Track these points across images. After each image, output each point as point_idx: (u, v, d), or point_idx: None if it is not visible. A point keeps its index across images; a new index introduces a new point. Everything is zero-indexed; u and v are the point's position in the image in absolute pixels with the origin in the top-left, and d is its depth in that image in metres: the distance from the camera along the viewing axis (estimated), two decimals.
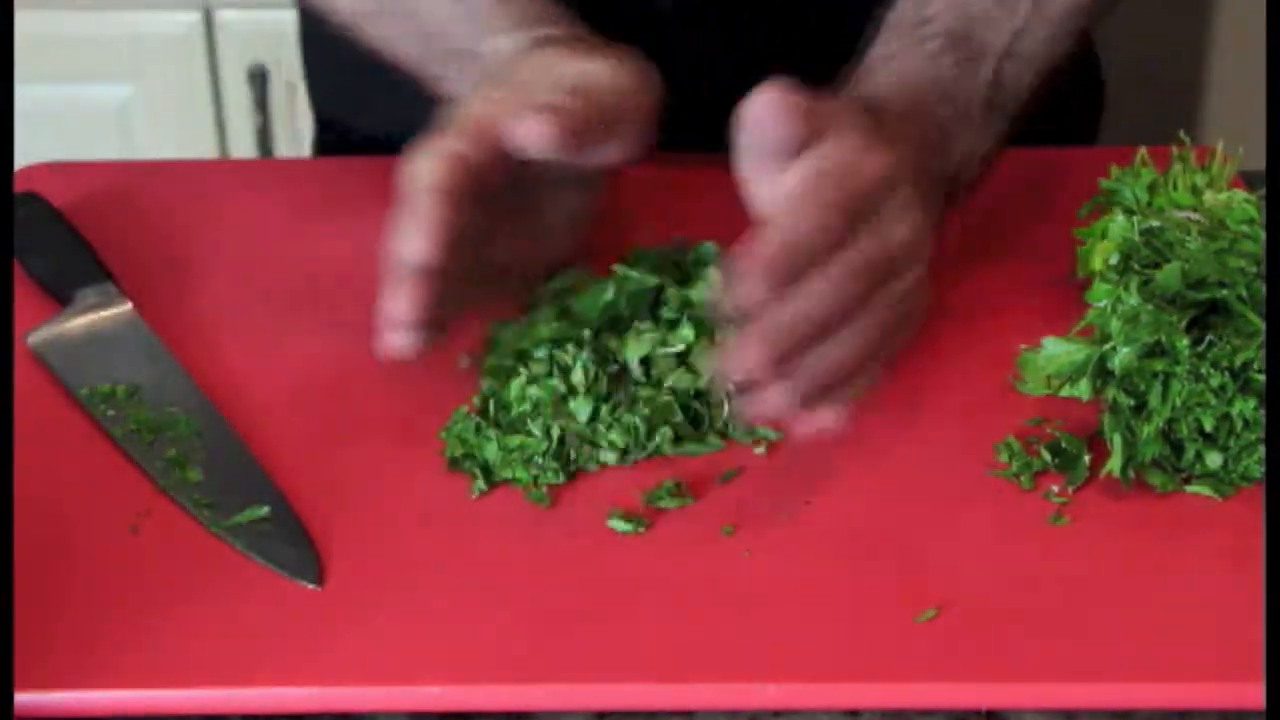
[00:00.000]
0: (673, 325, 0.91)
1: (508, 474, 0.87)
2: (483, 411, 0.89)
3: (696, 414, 0.89)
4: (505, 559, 0.82)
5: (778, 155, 0.84)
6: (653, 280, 0.92)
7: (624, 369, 0.90)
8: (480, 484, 0.86)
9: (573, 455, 0.87)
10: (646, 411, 0.88)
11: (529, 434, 0.87)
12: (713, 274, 0.94)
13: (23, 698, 0.75)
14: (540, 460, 0.86)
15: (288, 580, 0.81)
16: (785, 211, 0.82)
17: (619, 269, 0.92)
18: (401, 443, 0.89)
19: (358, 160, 1.12)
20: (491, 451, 0.87)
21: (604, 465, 0.87)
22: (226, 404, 0.92)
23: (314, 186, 1.11)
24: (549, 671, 0.76)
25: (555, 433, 0.87)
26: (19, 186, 1.08)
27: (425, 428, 0.90)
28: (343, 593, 0.80)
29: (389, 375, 0.94)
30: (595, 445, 0.88)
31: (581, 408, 0.88)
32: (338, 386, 0.94)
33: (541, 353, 0.89)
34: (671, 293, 0.93)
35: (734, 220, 0.86)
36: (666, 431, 0.88)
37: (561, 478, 0.86)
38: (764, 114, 0.84)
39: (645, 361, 0.90)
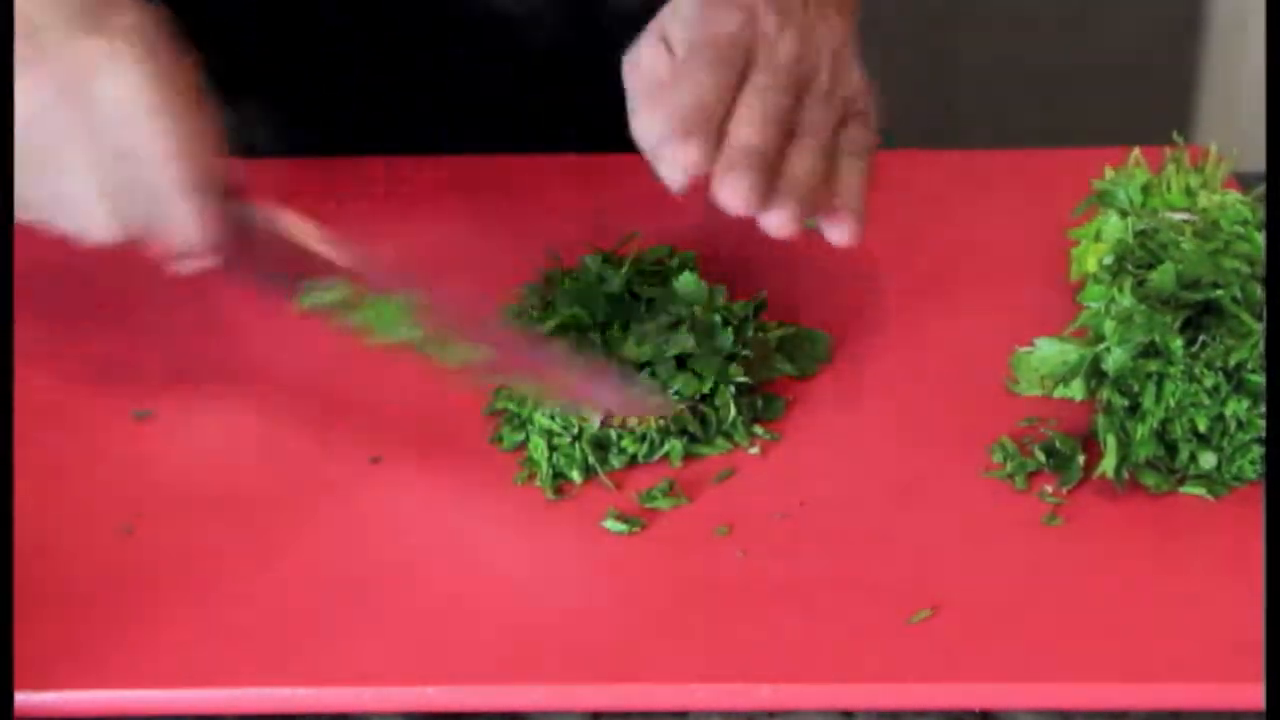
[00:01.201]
0: (673, 328, 0.92)
1: (538, 449, 0.87)
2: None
3: (704, 417, 0.90)
4: (501, 559, 0.83)
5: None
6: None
7: (632, 371, 0.90)
8: (512, 439, 0.89)
9: (590, 460, 0.87)
10: (661, 422, 0.88)
11: (558, 432, 0.88)
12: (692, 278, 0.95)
13: (22, 697, 0.75)
14: (569, 450, 0.87)
15: (284, 581, 0.81)
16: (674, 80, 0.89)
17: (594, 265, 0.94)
18: (399, 444, 0.90)
19: (366, 160, 1.13)
20: (541, 419, 0.88)
21: (612, 470, 0.88)
22: (229, 396, 0.92)
23: (312, 186, 1.11)
24: (544, 672, 0.76)
25: (575, 431, 0.87)
26: None
27: (424, 428, 0.91)
28: (339, 594, 0.80)
29: (386, 376, 0.95)
30: (608, 449, 0.88)
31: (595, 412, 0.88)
32: (340, 384, 0.94)
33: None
34: (661, 292, 0.93)
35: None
36: (677, 445, 0.88)
37: (579, 478, 0.87)
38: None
39: (645, 364, 0.90)
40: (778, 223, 0.87)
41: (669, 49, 0.92)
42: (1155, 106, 2.12)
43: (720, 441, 0.89)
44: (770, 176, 0.87)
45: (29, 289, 0.99)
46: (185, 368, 0.96)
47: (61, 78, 0.81)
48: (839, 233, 0.90)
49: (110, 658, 0.77)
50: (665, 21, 0.94)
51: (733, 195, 0.86)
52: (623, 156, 1.14)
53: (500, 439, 0.89)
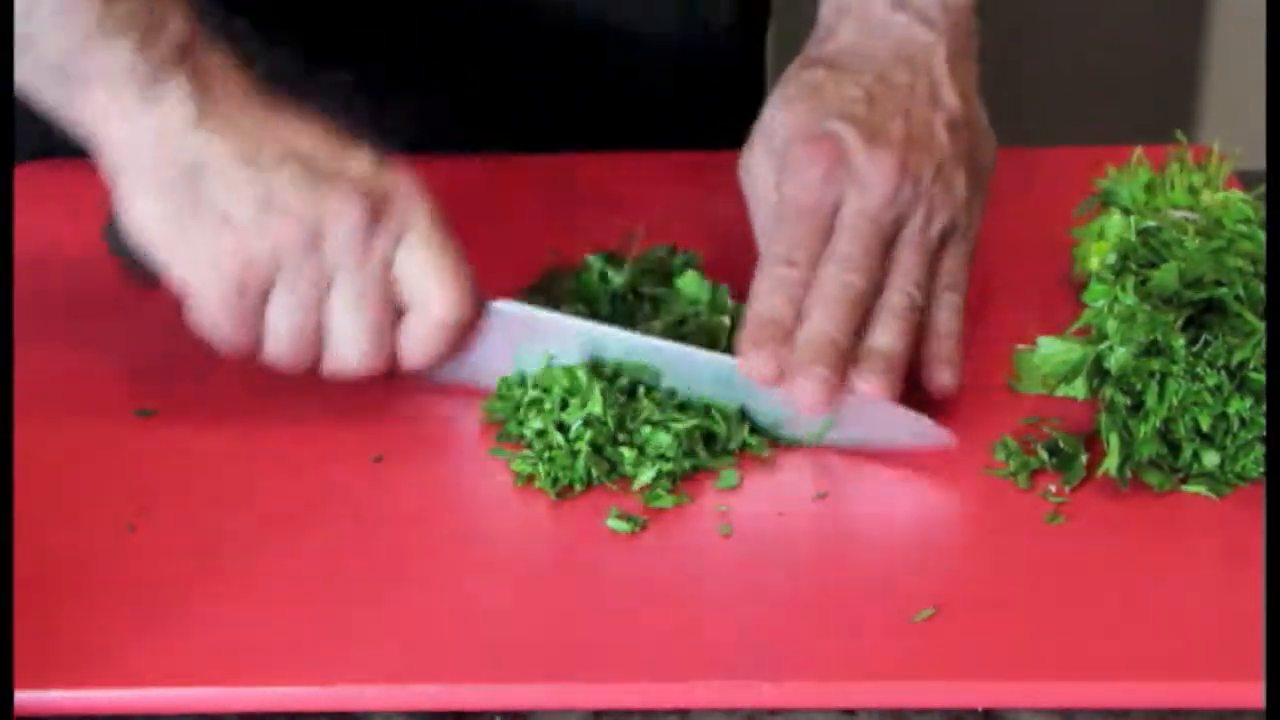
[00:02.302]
0: (677, 326, 0.92)
1: (529, 465, 0.87)
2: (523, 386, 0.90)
3: (710, 432, 0.89)
4: (503, 557, 0.83)
5: None
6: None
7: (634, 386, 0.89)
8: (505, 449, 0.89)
9: (593, 473, 0.87)
10: (669, 440, 0.87)
11: (556, 445, 0.87)
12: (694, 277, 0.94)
13: (22, 696, 0.75)
14: (566, 461, 0.87)
15: (285, 580, 0.81)
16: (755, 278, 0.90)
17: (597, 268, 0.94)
18: (401, 443, 0.90)
19: None
20: (530, 431, 0.88)
21: (623, 477, 0.87)
22: (231, 394, 0.92)
23: None
24: (546, 671, 0.76)
25: (581, 447, 0.87)
26: (19, 185, 1.08)
27: (429, 428, 0.91)
28: (340, 592, 0.80)
29: (388, 376, 0.95)
30: (615, 462, 0.87)
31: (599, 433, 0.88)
32: (336, 385, 0.94)
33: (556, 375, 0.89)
34: (664, 291, 0.93)
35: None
36: (684, 464, 0.88)
37: (578, 487, 0.86)
38: None
39: None
40: (867, 390, 0.87)
41: (775, 157, 0.93)
42: (1158, 105, 2.12)
43: (726, 459, 0.88)
44: (846, 359, 0.87)
45: (30, 287, 0.99)
46: (188, 366, 0.96)
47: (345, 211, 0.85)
48: (936, 382, 0.90)
49: (111, 657, 0.77)
50: (766, 133, 0.94)
51: (804, 398, 0.86)
52: (624, 155, 1.14)
53: (504, 436, 0.89)
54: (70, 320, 1.01)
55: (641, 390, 0.88)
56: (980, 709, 0.76)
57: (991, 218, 1.02)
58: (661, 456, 0.86)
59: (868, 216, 0.89)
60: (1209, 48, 2.12)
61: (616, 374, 0.89)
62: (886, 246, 0.90)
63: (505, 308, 0.90)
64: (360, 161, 0.87)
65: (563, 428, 0.87)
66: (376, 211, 0.86)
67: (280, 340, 0.87)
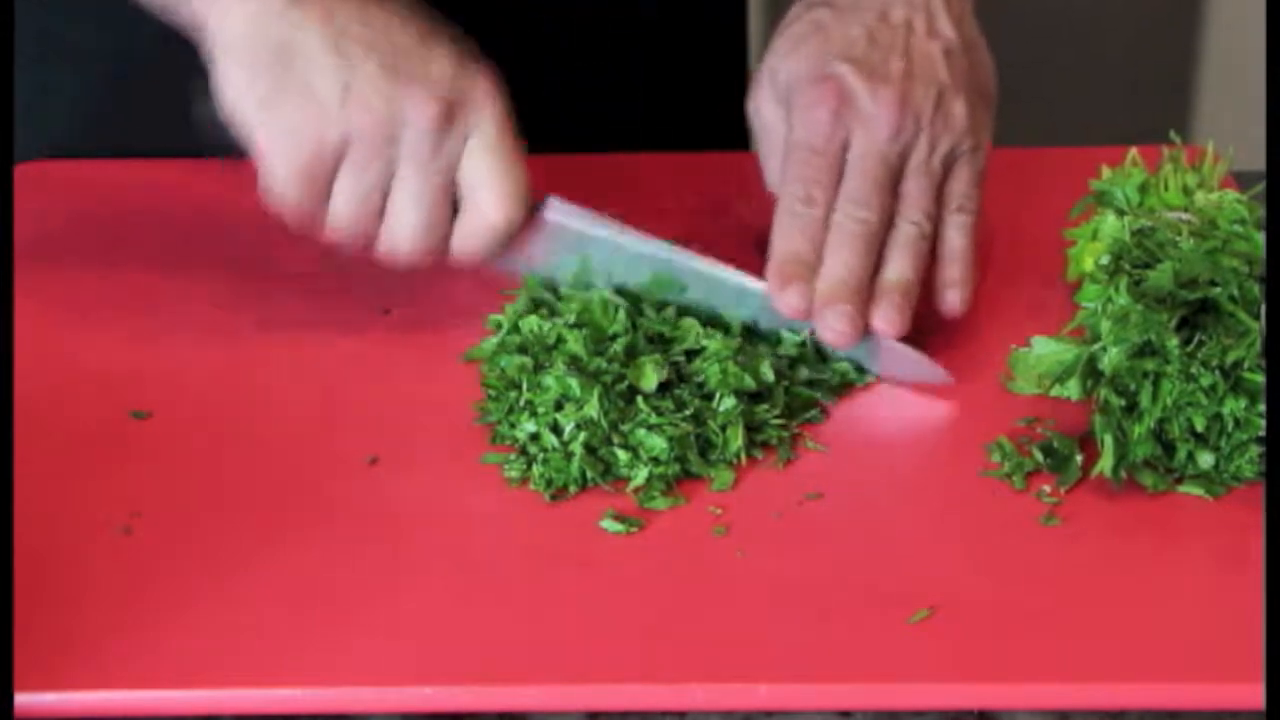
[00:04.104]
0: (684, 339, 0.92)
1: (529, 467, 0.87)
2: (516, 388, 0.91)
3: (709, 441, 0.89)
4: (498, 559, 0.83)
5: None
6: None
7: (634, 392, 0.89)
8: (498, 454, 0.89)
9: (588, 475, 0.87)
10: (663, 444, 0.87)
11: (551, 448, 0.87)
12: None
13: (22, 698, 0.75)
14: (562, 464, 0.87)
15: (283, 581, 0.81)
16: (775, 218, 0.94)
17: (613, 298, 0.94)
18: (396, 445, 0.90)
19: None
20: (524, 434, 0.88)
21: (618, 479, 0.87)
22: (227, 397, 0.93)
23: None
24: (541, 672, 0.76)
25: (575, 449, 0.87)
26: (19, 184, 1.08)
27: (424, 430, 0.91)
28: (335, 594, 0.80)
29: (383, 377, 0.95)
30: (610, 463, 0.87)
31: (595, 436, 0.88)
32: (337, 384, 0.94)
33: (550, 381, 0.89)
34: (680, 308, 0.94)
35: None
36: (675, 468, 0.88)
37: (573, 489, 0.87)
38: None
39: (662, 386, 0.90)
40: (883, 329, 0.92)
41: (782, 103, 0.98)
42: (1152, 106, 2.12)
43: (722, 470, 0.88)
44: (867, 292, 0.93)
45: (28, 289, 0.99)
46: (183, 368, 0.96)
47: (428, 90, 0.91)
48: (945, 305, 0.96)
49: (110, 658, 0.77)
50: (772, 75, 0.99)
51: (830, 334, 0.92)
52: (623, 156, 1.14)
53: (497, 439, 0.89)
54: (69, 321, 1.01)
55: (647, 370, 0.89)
56: (976, 710, 0.76)
57: (986, 217, 1.02)
58: (654, 460, 0.87)
59: (875, 154, 0.94)
60: (1205, 48, 2.12)
61: (650, 293, 0.95)
62: (895, 179, 0.95)
63: (553, 217, 0.96)
64: (442, 62, 0.91)
65: (557, 429, 0.87)
66: (450, 115, 0.91)
67: (341, 216, 0.92)
